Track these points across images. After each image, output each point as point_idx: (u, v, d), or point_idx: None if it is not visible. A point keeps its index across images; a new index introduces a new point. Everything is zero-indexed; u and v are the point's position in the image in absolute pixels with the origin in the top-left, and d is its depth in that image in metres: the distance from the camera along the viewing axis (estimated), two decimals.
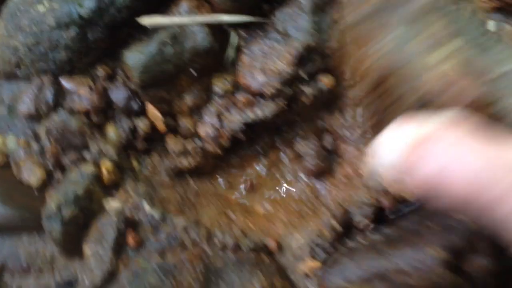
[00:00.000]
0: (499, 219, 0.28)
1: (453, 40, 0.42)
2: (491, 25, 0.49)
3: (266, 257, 0.55)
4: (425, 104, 0.40)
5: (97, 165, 0.58)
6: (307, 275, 0.55)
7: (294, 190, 0.64)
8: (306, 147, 0.65)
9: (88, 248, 0.54)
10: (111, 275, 0.52)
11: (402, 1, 0.46)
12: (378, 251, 0.49)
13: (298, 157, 0.65)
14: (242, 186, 0.66)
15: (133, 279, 0.50)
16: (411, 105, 0.41)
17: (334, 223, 0.56)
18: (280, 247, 0.58)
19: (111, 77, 0.62)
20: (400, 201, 0.52)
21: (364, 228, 0.53)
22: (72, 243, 0.55)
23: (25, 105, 0.61)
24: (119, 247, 0.54)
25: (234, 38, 0.62)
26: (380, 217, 0.54)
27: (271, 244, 0.57)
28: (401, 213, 0.53)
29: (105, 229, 0.54)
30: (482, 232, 0.44)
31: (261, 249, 0.56)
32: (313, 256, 0.55)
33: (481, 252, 0.45)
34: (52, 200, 0.54)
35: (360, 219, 0.54)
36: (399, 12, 0.44)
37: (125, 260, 0.53)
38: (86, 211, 0.55)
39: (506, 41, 0.44)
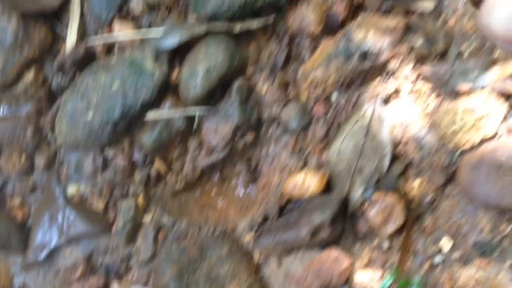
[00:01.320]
0: None
1: None
2: None
3: (227, 235, 1.11)
4: None
5: (134, 198, 1.11)
6: (249, 241, 1.11)
7: (238, 192, 1.19)
8: (242, 169, 1.19)
9: (139, 241, 1.09)
10: (154, 255, 1.07)
11: None
12: (280, 231, 1.05)
13: (239, 174, 1.20)
14: (212, 192, 1.20)
15: (166, 255, 1.05)
16: None
17: (260, 213, 1.12)
18: (233, 228, 1.14)
19: (131, 145, 1.14)
20: (287, 204, 1.08)
21: (273, 217, 1.10)
22: (131, 238, 1.09)
23: (88, 166, 1.12)
24: (156, 240, 1.09)
25: (197, 119, 1.15)
26: (281, 211, 1.10)
27: (229, 228, 1.13)
28: (290, 209, 1.09)
29: (147, 232, 1.08)
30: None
31: (225, 231, 1.12)
32: (251, 231, 1.11)
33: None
34: (118, 221, 1.07)
35: (271, 213, 1.10)
36: None
37: (159, 246, 1.08)
38: (135, 225, 1.09)
39: None
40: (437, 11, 1.18)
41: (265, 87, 1.16)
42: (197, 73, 1.09)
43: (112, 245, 1.10)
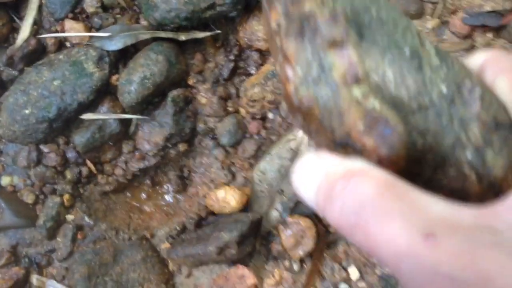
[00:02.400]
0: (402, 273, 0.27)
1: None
2: None
3: (145, 241, 1.14)
4: (346, 144, 0.32)
5: (61, 196, 1.14)
6: (165, 249, 1.14)
7: (166, 199, 1.22)
8: (174, 176, 1.22)
9: (59, 238, 1.12)
10: (70, 253, 1.11)
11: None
12: (192, 243, 1.08)
13: (170, 181, 1.23)
14: (141, 196, 1.23)
15: (80, 255, 1.09)
16: (331, 141, 0.33)
17: (179, 223, 1.14)
18: (152, 235, 1.17)
19: (67, 143, 1.17)
20: (207, 217, 1.11)
21: (190, 229, 1.12)
22: (52, 234, 1.13)
23: (22, 160, 1.16)
24: (74, 239, 1.12)
25: (133, 124, 1.17)
26: (199, 223, 1.12)
27: (148, 235, 1.16)
28: (208, 223, 1.12)
29: (66, 230, 1.12)
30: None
31: (142, 237, 1.15)
32: (167, 241, 1.14)
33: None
34: (40, 216, 1.11)
35: (189, 224, 1.13)
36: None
37: (76, 246, 1.12)
38: (58, 221, 1.12)
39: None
40: None
41: (205, 99, 1.18)
42: (133, 80, 1.11)
43: (37, 238, 1.13)
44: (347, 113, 0.32)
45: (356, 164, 0.31)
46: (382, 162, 0.31)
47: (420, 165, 0.32)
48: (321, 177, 0.32)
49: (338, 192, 0.30)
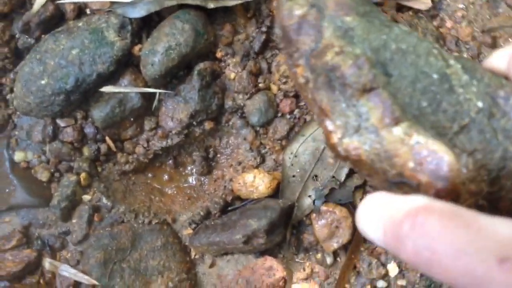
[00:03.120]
0: None
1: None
2: None
3: (166, 227, 1.06)
4: (401, 183, 0.33)
5: (78, 174, 1.06)
6: (187, 236, 1.05)
7: (190, 181, 1.13)
8: (198, 157, 1.13)
9: (75, 219, 1.04)
10: (86, 236, 1.03)
11: None
12: (217, 230, 0.99)
13: (194, 162, 1.14)
14: (163, 178, 1.15)
15: (96, 239, 1.01)
16: (385, 181, 0.34)
17: (203, 208, 1.05)
18: (174, 220, 1.08)
19: (85, 118, 1.09)
20: (233, 202, 1.02)
21: (215, 214, 1.04)
22: (67, 215, 1.05)
23: (37, 134, 1.08)
24: (90, 221, 1.04)
25: (156, 99, 1.08)
26: (224, 209, 1.04)
27: (169, 219, 1.07)
28: (234, 208, 1.03)
29: (82, 211, 1.04)
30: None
31: (163, 222, 1.06)
32: (190, 226, 1.05)
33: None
34: (55, 196, 1.03)
35: (214, 209, 1.04)
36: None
37: (92, 229, 1.04)
38: (73, 202, 1.05)
39: None
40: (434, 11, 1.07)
41: (234, 73, 1.09)
42: (157, 50, 1.02)
43: (50, 219, 1.06)
44: (394, 154, 0.33)
45: (417, 201, 0.31)
46: (440, 194, 0.31)
47: (476, 183, 0.32)
48: (386, 218, 0.32)
49: (407, 232, 0.30)
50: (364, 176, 0.38)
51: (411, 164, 0.32)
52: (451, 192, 0.31)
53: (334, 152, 0.36)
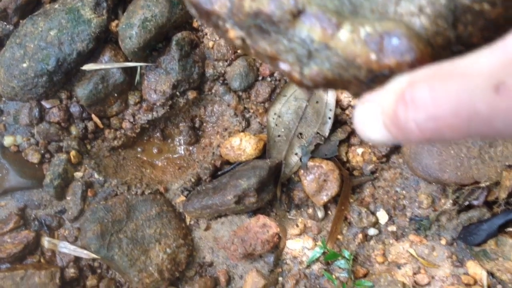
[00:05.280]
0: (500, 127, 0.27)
1: None
2: None
3: (159, 196, 1.08)
4: (376, 77, 0.32)
5: (68, 152, 1.08)
6: (180, 203, 1.08)
7: (179, 152, 1.15)
8: (185, 127, 1.14)
9: (69, 197, 1.06)
10: (81, 212, 1.05)
11: None
12: (209, 194, 1.01)
13: (181, 133, 1.15)
14: (152, 151, 1.17)
15: (91, 213, 1.03)
16: (362, 85, 0.33)
17: (194, 175, 1.07)
18: (166, 190, 1.10)
19: (70, 97, 1.10)
20: (222, 166, 1.04)
21: (205, 180, 1.06)
22: (61, 194, 1.07)
23: (24, 117, 1.09)
24: (84, 197, 1.06)
25: (138, 73, 1.09)
26: (214, 173, 1.06)
27: (162, 189, 1.09)
28: (223, 172, 1.05)
29: (76, 188, 1.06)
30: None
31: (156, 192, 1.08)
32: (182, 194, 1.07)
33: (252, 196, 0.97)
34: (47, 175, 1.05)
35: (204, 175, 1.06)
36: None
37: (87, 204, 1.06)
38: (65, 179, 1.06)
39: None
40: None
41: (212, 42, 1.10)
42: (134, 23, 1.03)
43: (45, 199, 1.08)
44: (354, 56, 0.32)
45: (397, 83, 0.31)
46: (415, 66, 0.31)
47: (440, 34, 0.32)
48: (382, 116, 0.32)
49: (404, 115, 0.30)
50: (342, 90, 0.37)
51: (373, 56, 0.31)
52: (423, 57, 0.31)
53: (304, 87, 0.36)
